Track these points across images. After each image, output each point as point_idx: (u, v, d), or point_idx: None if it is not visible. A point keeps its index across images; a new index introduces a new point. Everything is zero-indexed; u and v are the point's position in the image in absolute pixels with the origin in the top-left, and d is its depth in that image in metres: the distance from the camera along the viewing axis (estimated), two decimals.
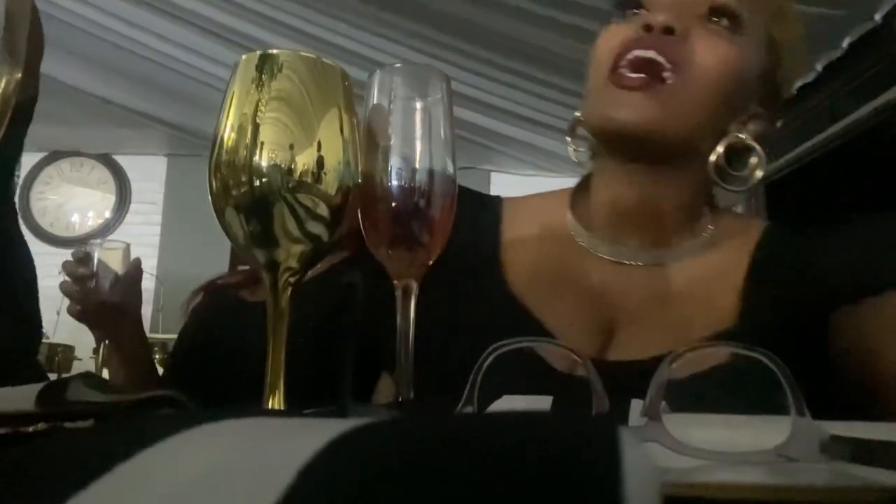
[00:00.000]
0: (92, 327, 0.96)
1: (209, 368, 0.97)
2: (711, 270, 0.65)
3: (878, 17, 2.18)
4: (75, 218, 4.05)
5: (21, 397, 0.33)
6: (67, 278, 0.95)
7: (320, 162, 0.39)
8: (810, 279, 0.61)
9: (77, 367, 3.05)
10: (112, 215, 3.91)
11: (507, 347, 0.37)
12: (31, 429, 0.29)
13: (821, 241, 0.64)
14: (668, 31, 0.61)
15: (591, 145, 0.71)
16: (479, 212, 0.74)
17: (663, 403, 0.29)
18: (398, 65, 0.47)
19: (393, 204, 0.44)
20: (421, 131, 0.45)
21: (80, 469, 0.15)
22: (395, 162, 0.44)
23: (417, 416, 0.17)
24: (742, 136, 0.65)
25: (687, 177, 0.66)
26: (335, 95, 0.41)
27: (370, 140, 0.45)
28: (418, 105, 0.46)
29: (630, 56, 0.61)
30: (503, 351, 0.36)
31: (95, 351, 0.95)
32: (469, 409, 0.34)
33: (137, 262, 1.00)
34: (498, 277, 0.68)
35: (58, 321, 3.35)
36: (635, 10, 0.65)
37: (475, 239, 0.70)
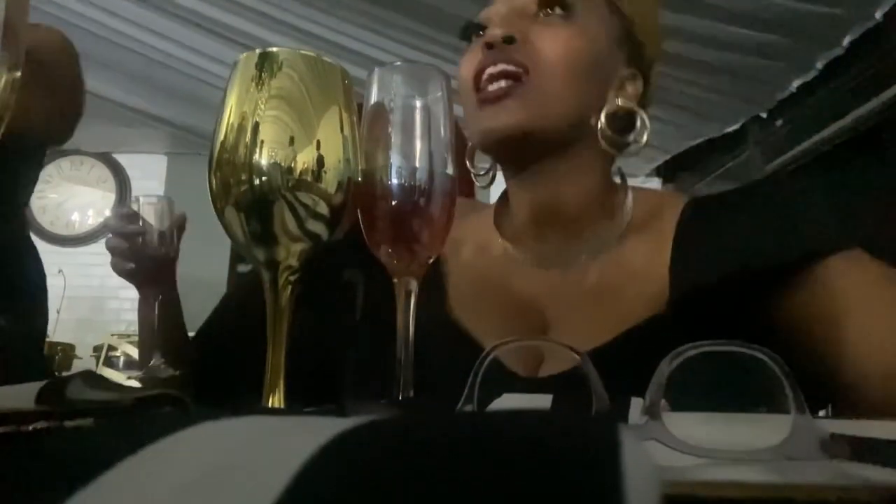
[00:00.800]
0: (140, 286, 0.93)
1: (232, 338, 0.95)
2: (638, 256, 0.66)
3: (878, 15, 2.18)
4: (75, 216, 4.05)
5: (21, 396, 0.33)
6: (112, 236, 0.93)
7: (320, 160, 0.39)
8: (737, 254, 0.61)
9: (77, 366, 3.06)
10: None
11: (505, 346, 0.37)
12: (30, 427, 0.29)
13: (743, 213, 0.64)
14: (509, 40, 0.64)
15: (492, 164, 0.73)
16: None
17: (663, 402, 0.29)
18: (398, 63, 0.47)
19: (393, 202, 0.44)
20: (421, 130, 0.45)
21: (80, 468, 0.15)
22: (395, 160, 0.44)
23: (417, 416, 0.17)
24: (619, 101, 0.67)
25: (584, 163, 0.67)
26: (335, 94, 0.41)
27: (370, 139, 0.45)
28: (418, 104, 0.46)
29: (485, 76, 0.64)
30: (489, 352, 0.36)
31: (149, 307, 0.90)
32: (469, 408, 0.34)
33: (183, 217, 0.98)
34: (440, 299, 0.69)
35: (57, 320, 3.36)
36: (479, 33, 0.68)
37: None
